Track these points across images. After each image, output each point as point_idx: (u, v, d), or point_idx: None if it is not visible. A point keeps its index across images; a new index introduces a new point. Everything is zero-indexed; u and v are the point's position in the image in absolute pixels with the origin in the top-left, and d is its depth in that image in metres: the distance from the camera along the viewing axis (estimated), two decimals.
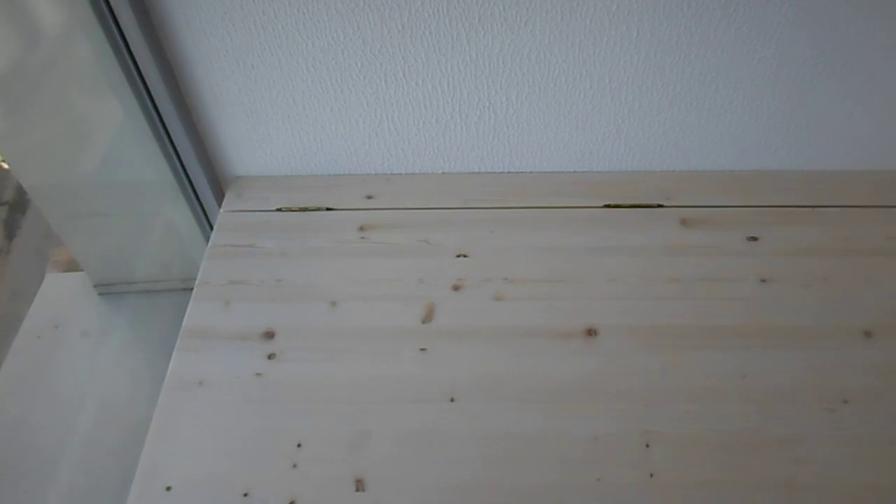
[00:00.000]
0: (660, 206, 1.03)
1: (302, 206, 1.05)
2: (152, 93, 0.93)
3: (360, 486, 0.77)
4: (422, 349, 0.89)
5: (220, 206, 1.06)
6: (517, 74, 0.94)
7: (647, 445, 0.80)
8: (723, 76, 0.94)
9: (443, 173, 1.08)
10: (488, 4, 0.86)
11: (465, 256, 0.98)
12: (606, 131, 1.01)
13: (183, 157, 1.02)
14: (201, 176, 1.04)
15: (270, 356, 0.88)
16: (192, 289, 0.95)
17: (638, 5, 0.86)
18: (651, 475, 0.78)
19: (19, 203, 1.71)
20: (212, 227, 1.04)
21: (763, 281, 0.94)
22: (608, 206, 1.03)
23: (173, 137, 0.99)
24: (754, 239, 0.98)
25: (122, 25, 0.85)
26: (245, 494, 0.77)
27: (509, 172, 1.07)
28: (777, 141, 1.02)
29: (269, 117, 1.00)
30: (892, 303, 0.91)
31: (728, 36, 0.89)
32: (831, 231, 0.98)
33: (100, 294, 1.28)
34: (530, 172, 1.07)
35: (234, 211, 1.05)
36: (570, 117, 0.99)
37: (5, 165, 1.72)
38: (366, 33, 0.89)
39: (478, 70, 0.93)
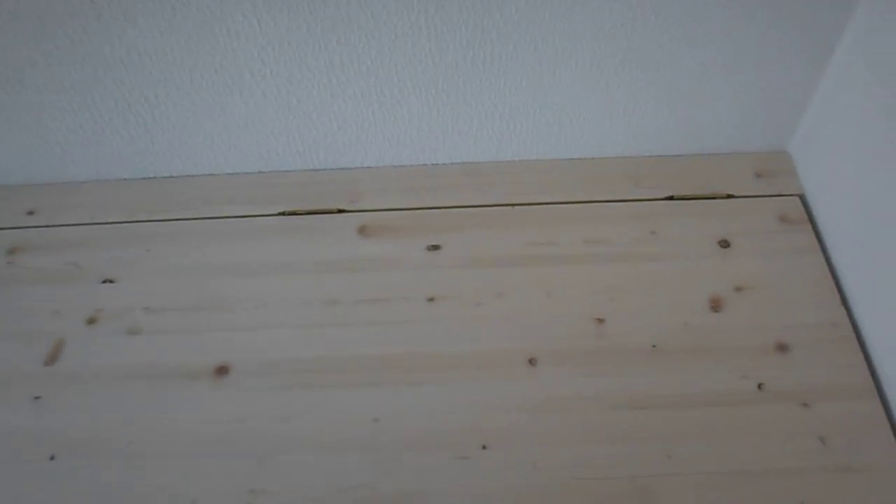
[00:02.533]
0: (341, 211, 0.90)
1: None
2: None
3: None
4: (36, 397, 0.78)
5: None
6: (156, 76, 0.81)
7: None
8: (404, 68, 0.81)
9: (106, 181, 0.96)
10: None
11: (111, 282, 0.87)
12: (277, 128, 0.88)
13: None
14: None
15: None
16: None
17: None
18: None
19: None
20: None
21: (431, 300, 0.83)
22: (283, 213, 0.91)
23: None
24: (436, 248, 0.87)
25: None
26: None
27: (171, 177, 0.95)
28: (473, 130, 0.89)
29: None
30: (566, 323, 0.80)
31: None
32: (525, 233, 0.87)
33: None
34: (196, 176, 0.94)
35: None
36: (235, 113, 0.86)
37: None
38: None
39: None
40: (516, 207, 0.90)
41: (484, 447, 0.73)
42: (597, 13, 0.77)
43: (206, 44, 0.79)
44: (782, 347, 0.78)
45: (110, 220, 0.92)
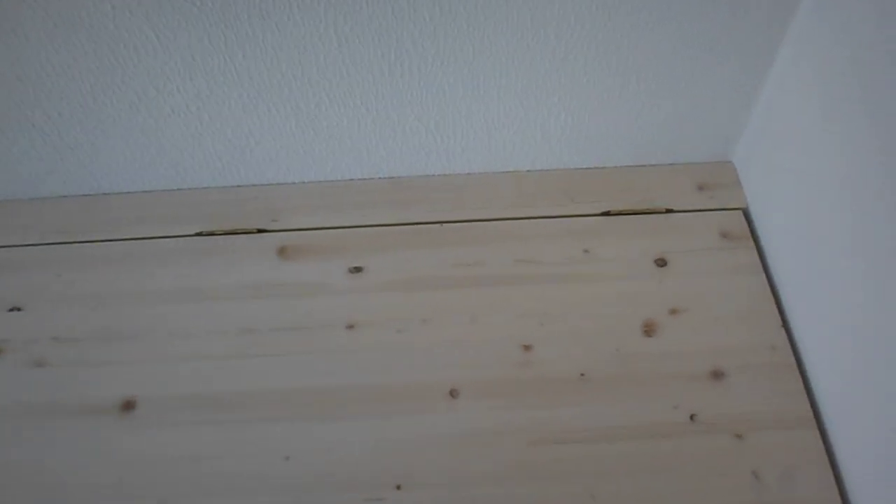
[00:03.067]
0: (260, 231, 0.86)
1: None
2: None
3: None
4: None
5: None
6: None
7: None
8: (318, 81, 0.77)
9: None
10: None
11: (18, 310, 0.82)
12: (191, 145, 0.84)
13: None
14: None
15: None
16: None
17: None
18: None
19: None
20: None
21: (351, 327, 0.78)
22: (200, 233, 0.86)
23: None
24: (358, 270, 0.82)
25: None
26: None
27: (84, 196, 0.90)
28: (398, 144, 0.85)
29: None
30: (491, 351, 0.76)
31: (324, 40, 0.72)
32: (452, 253, 0.83)
33: None
34: (110, 195, 0.90)
35: None
36: (144, 130, 0.82)
37: None
38: None
39: None
40: (444, 225, 0.85)
41: (398, 487, 0.70)
42: (517, 22, 0.72)
43: (104, 59, 0.74)
44: (717, 374, 0.74)
45: (20, 243, 0.87)
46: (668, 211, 0.85)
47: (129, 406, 0.75)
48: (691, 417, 0.72)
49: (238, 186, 0.90)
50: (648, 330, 0.77)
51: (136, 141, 0.83)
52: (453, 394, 0.74)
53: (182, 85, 0.77)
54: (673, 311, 0.78)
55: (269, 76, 0.77)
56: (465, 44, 0.74)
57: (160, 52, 0.74)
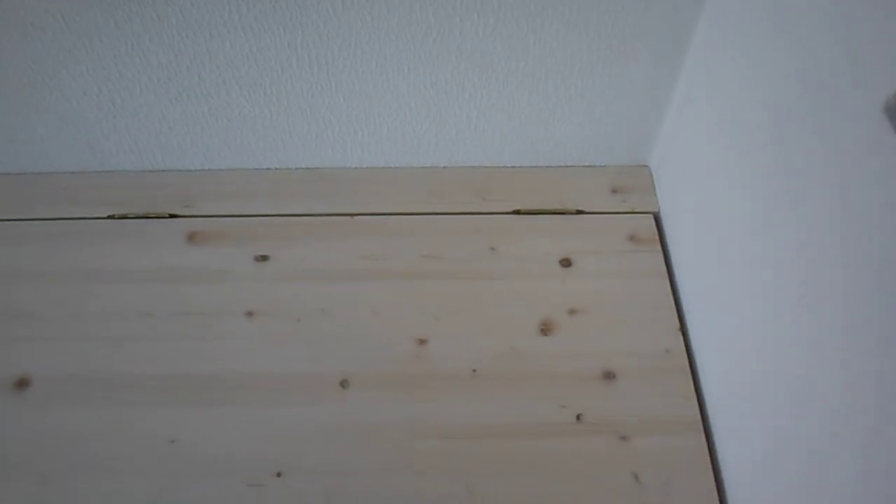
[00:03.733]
0: (172, 216, 0.86)
1: None
2: None
3: None
4: None
5: None
6: None
7: None
8: (226, 69, 0.77)
9: None
10: None
11: None
12: (106, 127, 0.84)
13: None
14: None
15: None
16: None
17: None
18: None
19: None
20: None
21: (249, 314, 0.79)
22: (112, 216, 0.86)
23: None
24: (264, 258, 0.82)
25: None
26: None
27: (3, 174, 0.90)
28: (313, 135, 0.85)
29: None
30: (386, 343, 0.77)
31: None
32: (360, 246, 0.83)
33: None
34: (27, 174, 0.90)
35: None
36: (59, 110, 0.82)
37: None
38: None
39: None
40: (355, 217, 0.86)
41: (279, 474, 0.70)
42: (419, 16, 0.72)
43: (11, 39, 0.74)
44: (609, 375, 0.74)
45: None
46: (579, 212, 0.85)
47: (22, 384, 0.75)
48: (577, 417, 0.72)
49: (153, 171, 0.90)
50: (545, 329, 0.77)
51: (51, 121, 0.84)
52: (343, 384, 0.74)
53: (91, 67, 0.78)
54: (572, 312, 0.78)
55: (177, 62, 0.77)
56: (371, 37, 0.74)
57: (67, 33, 0.74)
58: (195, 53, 0.77)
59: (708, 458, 0.70)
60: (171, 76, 0.79)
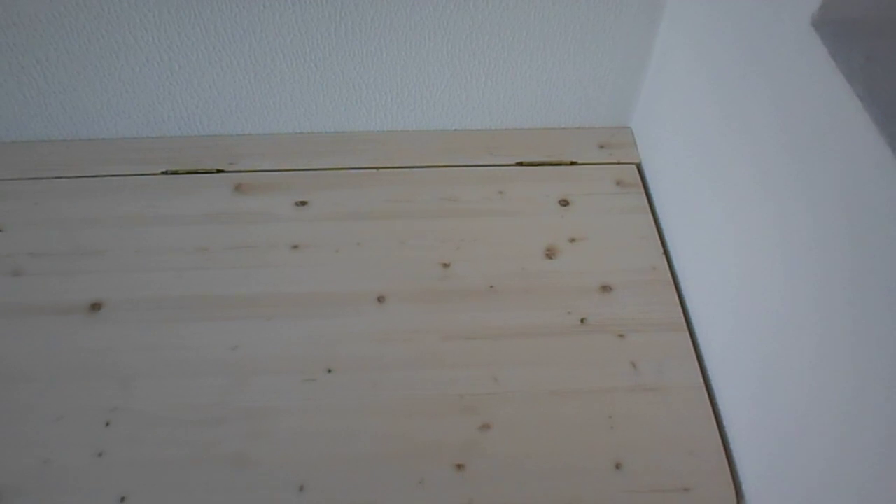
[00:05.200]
0: (219, 171, 0.98)
1: None
2: None
3: None
4: None
5: None
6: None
7: (108, 423, 0.77)
8: (274, 38, 0.91)
9: None
10: None
11: None
12: (161, 94, 0.96)
13: None
14: None
15: None
16: None
17: None
18: (100, 454, 0.75)
19: None
20: None
21: (294, 247, 0.91)
22: (165, 172, 0.98)
23: None
24: (303, 203, 0.95)
25: None
26: None
27: (63, 140, 1.02)
28: (343, 99, 0.99)
29: None
30: (415, 267, 0.90)
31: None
32: (386, 192, 0.96)
33: None
34: (87, 140, 1.02)
35: None
36: (122, 77, 0.94)
37: None
38: None
39: None
40: (380, 170, 0.99)
41: (329, 371, 0.81)
42: None
43: (93, 7, 0.87)
44: (606, 288, 0.88)
45: (1, 178, 0.98)
46: (573, 163, 1.00)
47: (96, 307, 0.86)
48: (581, 321, 0.85)
49: (200, 136, 1.03)
50: (550, 254, 0.91)
51: (114, 88, 0.96)
52: (380, 300, 0.87)
53: (157, 35, 0.91)
54: (572, 240, 0.92)
55: (232, 31, 0.91)
56: (398, 8, 0.89)
57: (140, 3, 0.87)
58: (249, 24, 0.90)
59: (692, 348, 0.83)
60: (225, 45, 0.92)
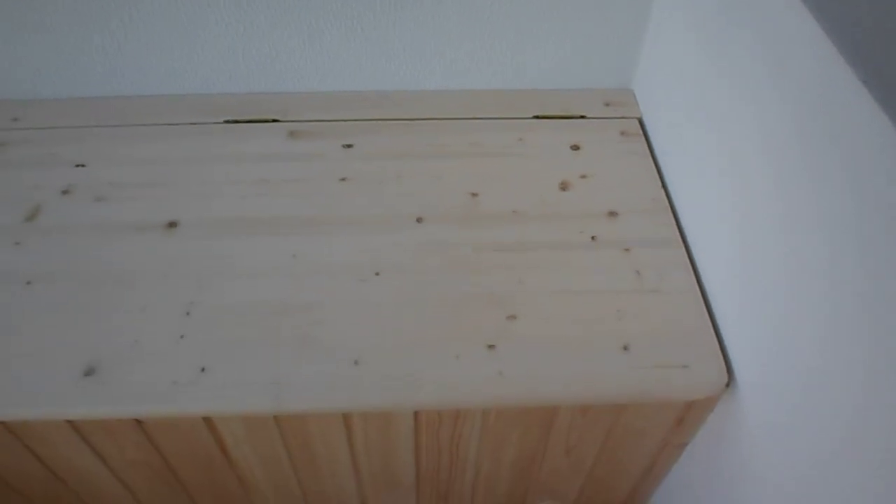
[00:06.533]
0: (275, 121, 1.13)
1: None
2: None
3: None
4: (16, 243, 0.97)
5: None
6: None
7: (188, 313, 0.90)
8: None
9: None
10: None
11: (82, 166, 1.07)
12: (227, 54, 1.12)
13: None
14: None
15: None
16: None
17: None
18: (182, 336, 0.88)
19: None
20: None
21: (342, 180, 1.05)
22: (227, 121, 1.13)
23: None
24: (349, 146, 1.10)
25: None
26: None
27: (139, 96, 1.17)
28: (382, 61, 1.14)
29: None
30: (449, 196, 1.03)
31: None
32: (422, 138, 1.11)
33: None
34: (159, 96, 1.17)
35: None
36: (200, 36, 1.09)
37: None
38: None
39: None
40: (415, 121, 1.14)
41: (377, 273, 0.94)
42: None
43: None
44: (612, 214, 1.02)
45: (82, 125, 1.13)
46: (582, 117, 1.15)
47: (172, 225, 1.00)
48: (592, 238, 0.99)
49: (258, 93, 1.18)
50: (564, 186, 1.05)
51: (187, 47, 1.11)
52: (419, 220, 1.01)
53: (227, 4, 1.06)
54: (583, 176, 1.07)
55: (291, 1, 1.06)
56: None
57: None
58: None
59: (689, 261, 0.97)
60: (288, 7, 1.07)
